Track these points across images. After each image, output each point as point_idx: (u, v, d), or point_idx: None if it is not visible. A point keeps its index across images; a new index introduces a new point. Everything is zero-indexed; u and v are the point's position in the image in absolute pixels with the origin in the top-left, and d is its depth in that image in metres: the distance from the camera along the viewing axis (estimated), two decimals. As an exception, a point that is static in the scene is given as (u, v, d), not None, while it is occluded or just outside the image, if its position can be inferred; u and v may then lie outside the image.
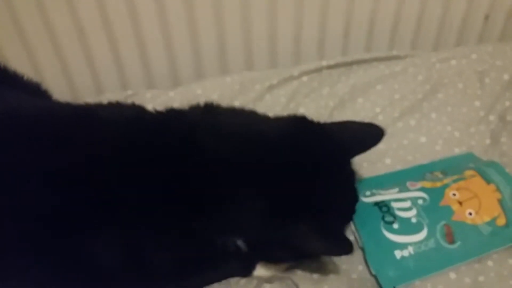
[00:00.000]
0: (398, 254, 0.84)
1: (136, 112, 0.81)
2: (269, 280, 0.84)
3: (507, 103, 1.11)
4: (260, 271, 0.85)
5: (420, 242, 0.85)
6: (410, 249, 0.84)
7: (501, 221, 0.88)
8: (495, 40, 1.40)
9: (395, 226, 0.87)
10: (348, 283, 0.82)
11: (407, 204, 0.89)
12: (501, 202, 0.89)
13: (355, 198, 0.83)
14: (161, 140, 0.73)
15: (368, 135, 0.84)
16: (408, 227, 0.86)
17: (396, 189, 0.93)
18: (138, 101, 1.10)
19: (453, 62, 1.18)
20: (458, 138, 1.06)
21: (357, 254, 0.87)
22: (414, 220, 0.87)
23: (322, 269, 0.85)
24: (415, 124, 1.08)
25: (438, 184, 0.93)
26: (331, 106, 1.11)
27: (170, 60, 1.25)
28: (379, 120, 1.08)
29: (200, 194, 0.71)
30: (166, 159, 0.72)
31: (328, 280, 0.83)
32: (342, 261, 0.86)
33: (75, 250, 0.69)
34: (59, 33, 1.15)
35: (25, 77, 0.97)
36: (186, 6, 1.15)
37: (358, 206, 0.87)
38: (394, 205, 0.90)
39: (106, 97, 1.13)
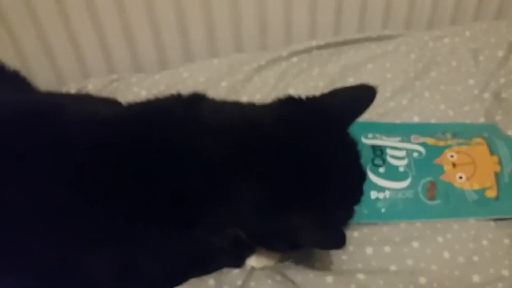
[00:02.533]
0: (373, 194, 0.87)
1: (112, 111, 0.76)
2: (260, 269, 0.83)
3: (502, 80, 1.08)
4: (253, 261, 0.83)
5: (399, 190, 0.87)
6: (387, 193, 0.87)
7: (491, 193, 0.87)
8: (490, 19, 1.37)
9: (381, 170, 0.89)
10: (334, 272, 0.80)
11: (402, 153, 0.91)
12: (497, 175, 0.89)
13: (361, 173, 0.78)
14: (144, 143, 0.68)
15: (359, 97, 0.79)
16: (392, 174, 0.89)
17: (398, 138, 0.95)
18: (123, 85, 1.10)
19: (446, 40, 1.15)
20: (451, 117, 1.04)
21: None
22: (401, 169, 0.89)
23: (311, 259, 0.83)
24: (407, 103, 1.06)
25: (441, 143, 0.93)
26: (321, 87, 1.08)
27: (158, 43, 1.22)
28: (370, 100, 1.06)
29: (195, 196, 0.67)
30: (154, 164, 0.67)
31: (314, 268, 0.81)
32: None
33: (68, 266, 0.68)
34: (43, 18, 1.12)
35: (4, 65, 0.94)
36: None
37: None
38: (389, 151, 0.92)
39: (91, 82, 1.12)
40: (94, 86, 1.11)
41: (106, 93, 1.08)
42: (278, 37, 1.28)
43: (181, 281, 0.78)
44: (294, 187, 0.69)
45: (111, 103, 0.81)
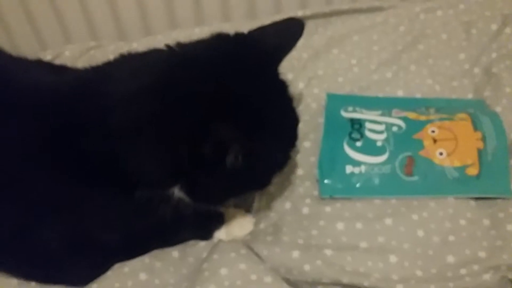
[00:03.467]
0: (348, 169, 0.85)
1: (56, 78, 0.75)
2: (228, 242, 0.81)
3: (494, 55, 1.03)
4: (222, 234, 0.81)
5: (375, 164, 0.85)
6: (362, 168, 0.85)
7: (473, 171, 0.84)
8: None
9: (358, 144, 0.87)
10: (302, 246, 0.78)
11: (381, 127, 0.88)
12: (480, 152, 0.85)
13: (294, 114, 0.74)
14: (77, 109, 0.67)
15: (287, 32, 0.76)
16: (370, 148, 0.86)
17: (379, 112, 0.92)
18: (100, 53, 1.08)
19: (439, 12, 1.10)
20: (438, 92, 1.00)
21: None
22: (379, 143, 0.86)
23: (279, 233, 0.80)
24: (391, 77, 1.01)
25: (423, 118, 0.90)
26: (305, 58, 1.04)
27: (142, 10, 1.19)
28: (354, 72, 1.02)
29: (127, 149, 0.65)
30: (84, 128, 0.66)
31: (281, 243, 0.78)
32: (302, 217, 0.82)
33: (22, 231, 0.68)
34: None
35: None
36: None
37: (333, 118, 0.91)
38: (368, 125, 0.89)
39: (68, 49, 1.10)
40: (71, 53, 1.08)
41: (82, 60, 1.05)
42: (268, 6, 1.24)
43: (140, 252, 0.76)
44: (223, 109, 0.64)
45: (60, 70, 0.80)
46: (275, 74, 0.73)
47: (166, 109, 0.63)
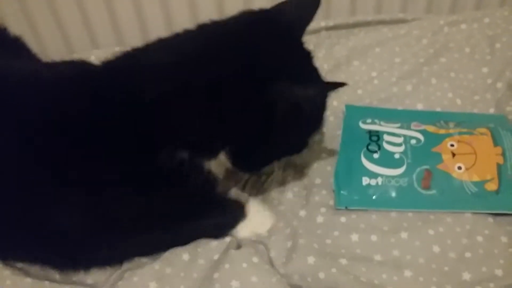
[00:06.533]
0: (365, 180, 0.85)
1: (78, 69, 0.79)
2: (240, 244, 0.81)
3: (518, 70, 1.02)
4: (243, 231, 0.81)
5: (392, 177, 0.84)
6: (379, 180, 0.84)
7: (492, 186, 0.82)
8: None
9: (375, 156, 0.87)
10: (317, 253, 0.77)
11: (399, 140, 0.88)
12: (500, 167, 0.84)
13: (321, 78, 0.79)
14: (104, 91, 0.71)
15: (307, 3, 0.79)
16: (387, 161, 0.86)
17: (398, 124, 0.92)
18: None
19: (463, 26, 1.10)
20: (459, 106, 0.99)
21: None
22: (397, 156, 0.86)
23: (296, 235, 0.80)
24: (412, 90, 1.01)
25: (442, 131, 0.89)
26: (326, 69, 1.04)
27: (166, 17, 1.21)
28: (374, 85, 1.02)
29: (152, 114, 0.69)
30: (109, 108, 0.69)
31: (299, 248, 0.78)
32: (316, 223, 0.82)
33: (37, 217, 0.69)
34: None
35: (6, 29, 0.95)
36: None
37: (351, 129, 0.92)
38: (386, 137, 0.89)
39: (94, 53, 1.12)
40: (96, 58, 1.08)
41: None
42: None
43: (158, 234, 0.77)
44: (279, 71, 0.70)
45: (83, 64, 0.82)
46: (301, 43, 0.78)
47: (218, 77, 0.68)
